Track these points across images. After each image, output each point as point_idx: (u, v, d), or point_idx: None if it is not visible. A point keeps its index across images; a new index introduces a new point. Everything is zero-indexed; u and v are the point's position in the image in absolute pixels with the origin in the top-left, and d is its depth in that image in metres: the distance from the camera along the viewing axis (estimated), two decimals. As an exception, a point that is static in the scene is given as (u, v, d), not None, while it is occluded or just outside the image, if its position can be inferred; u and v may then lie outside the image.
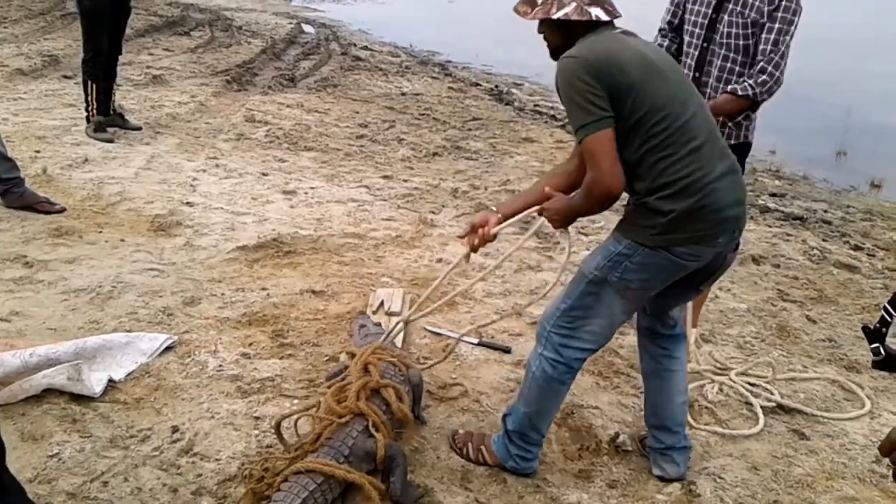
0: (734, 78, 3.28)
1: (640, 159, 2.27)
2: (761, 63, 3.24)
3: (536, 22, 2.41)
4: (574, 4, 2.31)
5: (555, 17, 2.32)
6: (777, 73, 3.23)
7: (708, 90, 3.35)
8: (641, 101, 2.22)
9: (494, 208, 2.70)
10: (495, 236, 2.65)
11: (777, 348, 3.94)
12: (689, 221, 2.26)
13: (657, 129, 2.24)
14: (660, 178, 2.26)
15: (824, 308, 4.55)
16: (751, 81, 3.23)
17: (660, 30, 3.60)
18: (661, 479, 2.73)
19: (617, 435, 2.93)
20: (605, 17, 2.34)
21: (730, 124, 3.35)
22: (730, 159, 2.36)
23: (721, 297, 4.48)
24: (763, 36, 3.24)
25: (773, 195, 7.23)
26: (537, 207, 2.53)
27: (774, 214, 6.47)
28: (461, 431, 2.85)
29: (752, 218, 6.26)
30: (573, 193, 2.42)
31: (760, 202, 6.79)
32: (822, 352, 3.96)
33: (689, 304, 2.97)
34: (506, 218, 2.63)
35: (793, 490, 2.77)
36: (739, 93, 3.20)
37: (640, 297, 2.43)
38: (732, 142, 3.29)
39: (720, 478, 2.79)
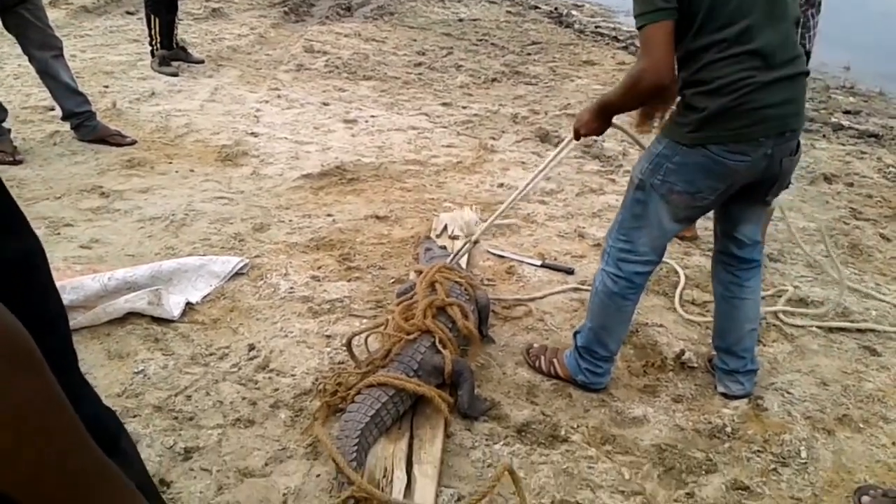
0: None
1: (692, 50, 2.17)
2: None
3: None
4: None
5: None
6: None
7: None
8: None
9: None
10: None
11: (849, 266, 3.85)
12: (724, 119, 2.17)
13: (715, 25, 2.13)
14: (701, 72, 2.17)
15: (899, 226, 4.41)
16: None
17: None
18: (724, 396, 2.74)
19: (682, 352, 2.92)
20: None
21: None
22: (794, 66, 2.21)
23: (790, 216, 4.37)
24: None
25: (846, 112, 6.95)
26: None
27: (848, 132, 6.23)
28: (535, 345, 2.90)
29: (824, 136, 6.05)
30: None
31: (834, 120, 6.53)
32: (897, 270, 3.86)
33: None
34: None
35: (863, 404, 2.74)
36: None
37: (688, 203, 2.34)
38: None
39: (788, 392, 2.77)
